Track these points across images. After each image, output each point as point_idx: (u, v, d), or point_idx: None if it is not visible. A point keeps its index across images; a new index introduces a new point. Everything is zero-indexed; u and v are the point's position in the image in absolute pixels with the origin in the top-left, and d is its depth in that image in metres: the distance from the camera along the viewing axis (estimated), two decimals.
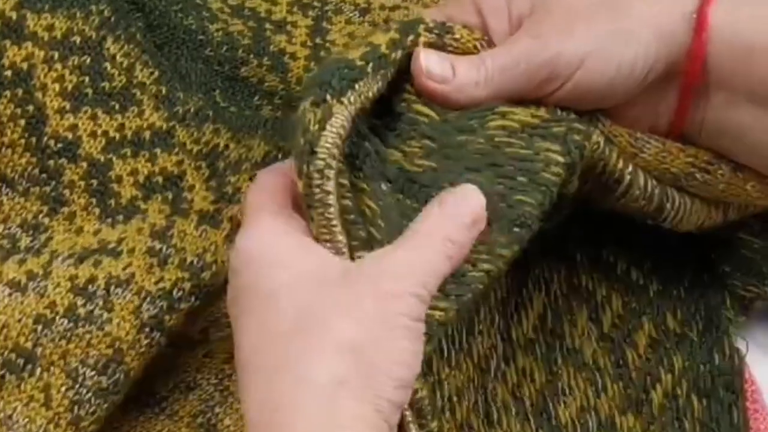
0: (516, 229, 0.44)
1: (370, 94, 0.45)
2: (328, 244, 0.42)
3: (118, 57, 0.58)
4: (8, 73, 0.56)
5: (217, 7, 0.64)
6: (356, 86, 0.45)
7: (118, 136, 0.57)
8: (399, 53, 0.47)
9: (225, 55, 0.64)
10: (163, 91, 0.59)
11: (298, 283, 0.40)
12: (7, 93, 0.55)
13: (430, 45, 0.48)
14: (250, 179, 0.56)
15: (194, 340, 0.57)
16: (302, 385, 0.37)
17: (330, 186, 0.42)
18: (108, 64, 0.58)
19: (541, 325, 0.58)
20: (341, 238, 0.42)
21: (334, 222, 0.42)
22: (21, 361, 0.51)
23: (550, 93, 0.46)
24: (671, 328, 0.58)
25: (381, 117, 0.49)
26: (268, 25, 0.64)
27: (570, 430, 0.56)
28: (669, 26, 0.46)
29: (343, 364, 0.37)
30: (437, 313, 0.42)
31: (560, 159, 0.46)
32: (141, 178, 0.57)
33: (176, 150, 0.58)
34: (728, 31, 0.45)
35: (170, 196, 0.57)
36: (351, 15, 0.67)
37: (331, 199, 0.42)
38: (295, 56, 0.64)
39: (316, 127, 0.43)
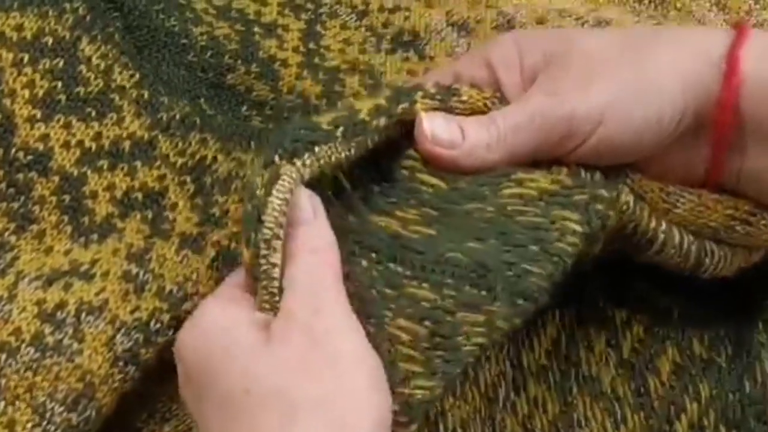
0: (520, 302, 0.42)
1: (333, 159, 0.44)
2: (265, 305, 0.41)
3: (94, 59, 0.56)
4: (11, 76, 0.54)
5: (202, 8, 0.62)
6: (315, 149, 0.43)
7: (94, 146, 0.55)
8: (383, 120, 0.45)
9: (210, 61, 0.61)
10: (145, 96, 0.57)
11: (243, 357, 0.39)
12: None
13: (432, 110, 0.47)
14: (240, 200, 0.55)
15: (170, 368, 0.50)
16: None
17: (276, 258, 0.41)
18: (83, 67, 0.56)
19: (555, 350, 0.55)
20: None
21: (277, 298, 0.41)
22: None
23: (570, 150, 0.44)
24: (697, 354, 0.55)
25: (378, 183, 0.47)
26: (256, 29, 0.62)
27: None
28: (696, 74, 0.44)
29: (311, 425, 0.37)
30: (419, 393, 0.41)
31: (578, 228, 0.43)
32: (118, 194, 0.55)
33: (158, 163, 0.55)
34: (762, 75, 0.43)
35: (150, 215, 0.55)
36: (347, 19, 0.64)
37: (276, 272, 0.41)
38: (287, 63, 0.61)
39: (263, 191, 0.42)
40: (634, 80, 0.44)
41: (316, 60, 0.62)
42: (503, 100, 0.47)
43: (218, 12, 0.62)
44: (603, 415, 0.54)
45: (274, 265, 0.41)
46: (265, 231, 0.41)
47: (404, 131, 0.47)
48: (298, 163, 0.43)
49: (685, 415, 0.54)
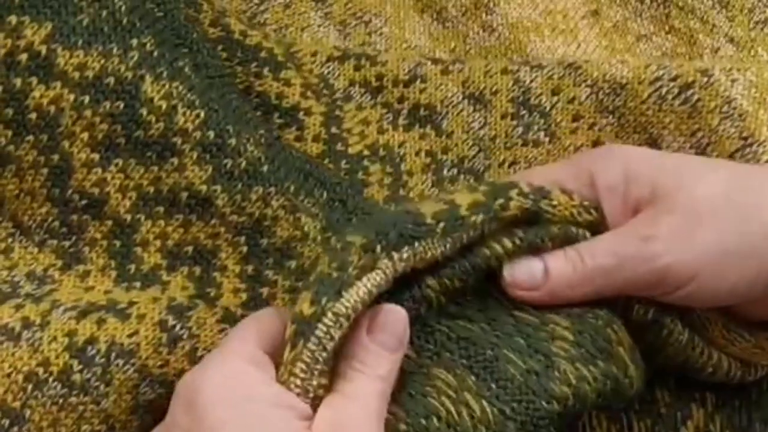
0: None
1: (429, 256, 0.44)
2: (296, 384, 0.41)
3: (156, 100, 0.55)
4: (33, 115, 0.54)
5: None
6: (415, 244, 0.44)
7: (151, 191, 0.55)
8: (480, 217, 0.45)
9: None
10: (210, 137, 0.56)
11: None
12: (30, 138, 0.54)
13: (523, 210, 0.46)
14: (291, 290, 0.54)
15: None
16: None
17: (337, 334, 0.41)
18: (144, 110, 0.55)
19: None
20: (315, 383, 0.41)
21: (319, 367, 0.41)
22: (6, 422, 0.50)
23: (658, 296, 0.45)
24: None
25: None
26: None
27: None
28: None
29: None
30: None
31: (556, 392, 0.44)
32: (169, 245, 0.55)
33: (213, 221, 0.55)
34: None
35: (197, 272, 0.55)
36: (361, 100, 0.64)
37: (330, 346, 0.41)
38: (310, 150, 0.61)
39: (355, 272, 0.42)
40: (736, 241, 0.43)
41: (339, 146, 0.63)
42: (595, 213, 0.48)
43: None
44: (609, 423, 0.53)
45: (331, 338, 0.41)
46: (340, 307, 0.41)
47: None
48: (396, 257, 0.43)
49: (692, 421, 0.54)
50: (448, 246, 0.45)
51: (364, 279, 0.42)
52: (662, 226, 0.44)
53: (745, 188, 0.46)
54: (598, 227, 0.48)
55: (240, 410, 0.40)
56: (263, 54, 0.63)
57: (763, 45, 0.72)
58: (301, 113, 0.62)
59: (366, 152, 0.62)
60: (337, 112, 0.63)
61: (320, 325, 0.41)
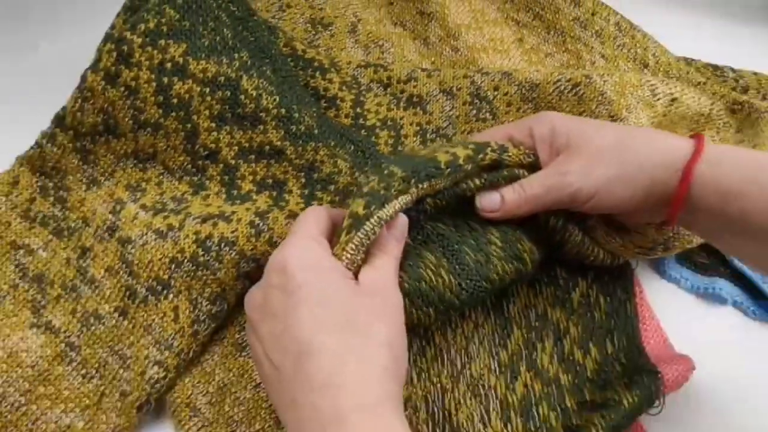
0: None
1: (438, 187, 0.53)
2: (347, 258, 0.48)
3: (249, 90, 0.63)
4: (175, 100, 0.62)
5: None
6: (432, 180, 0.52)
7: (247, 145, 0.63)
8: (470, 165, 0.54)
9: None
10: (283, 112, 0.63)
11: (339, 291, 0.45)
12: (173, 113, 0.62)
13: (493, 161, 0.55)
14: (330, 202, 0.62)
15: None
16: (364, 365, 0.42)
17: (377, 230, 0.48)
18: (242, 96, 0.62)
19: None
20: (359, 258, 0.48)
21: (363, 249, 0.48)
22: (160, 287, 0.59)
23: (573, 207, 0.54)
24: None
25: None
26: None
27: (518, 320, 0.62)
28: (661, 176, 0.51)
29: (384, 356, 0.43)
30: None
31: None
32: (258, 178, 0.64)
33: (284, 163, 0.63)
34: (708, 180, 0.50)
35: (274, 194, 0.63)
36: (377, 91, 0.75)
37: (372, 237, 0.48)
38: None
39: (395, 193, 0.50)
40: (619, 172, 0.52)
41: (361, 120, 0.72)
42: (533, 157, 0.57)
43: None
44: (528, 289, 0.65)
45: (374, 230, 0.48)
46: (383, 213, 0.48)
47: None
48: (420, 186, 0.52)
49: (579, 288, 0.65)
50: (449, 182, 0.53)
51: (400, 198, 0.50)
52: (573, 164, 0.53)
53: (624, 139, 0.53)
54: (534, 167, 0.56)
55: (314, 272, 0.45)
56: (316, 63, 0.72)
57: (622, 60, 0.85)
58: (339, 100, 0.72)
59: (378, 123, 0.72)
60: (361, 98, 0.72)
61: (368, 223, 0.48)
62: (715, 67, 0.85)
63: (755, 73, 0.85)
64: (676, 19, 0.95)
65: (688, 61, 0.86)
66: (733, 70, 0.85)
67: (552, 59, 0.85)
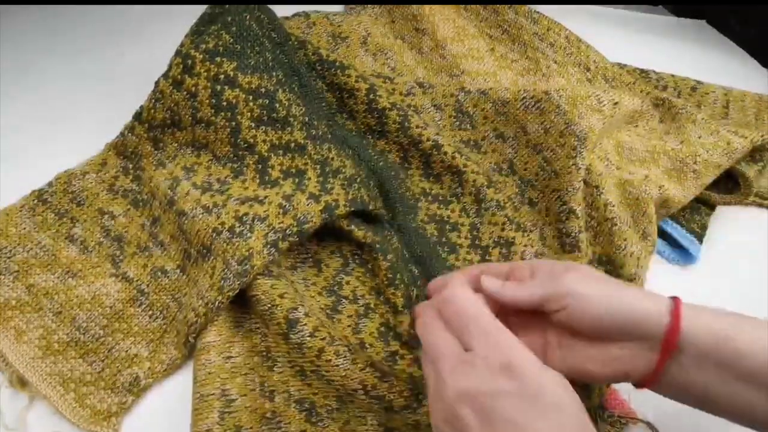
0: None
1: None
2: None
3: (283, 100, 0.69)
4: (224, 103, 0.67)
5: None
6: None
7: (277, 142, 0.68)
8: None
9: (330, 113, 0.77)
10: (306, 119, 0.69)
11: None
12: (222, 113, 0.68)
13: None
14: (341, 185, 0.66)
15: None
16: None
17: None
18: (277, 104, 0.68)
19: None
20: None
21: None
22: (204, 251, 0.63)
23: (552, 313, 0.49)
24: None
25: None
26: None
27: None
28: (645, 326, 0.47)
29: None
30: None
31: None
32: (284, 168, 0.68)
33: (306, 156, 0.68)
34: (680, 359, 0.47)
35: (297, 181, 0.67)
36: (384, 86, 0.82)
37: None
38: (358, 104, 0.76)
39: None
40: (600, 310, 0.48)
41: (374, 104, 0.76)
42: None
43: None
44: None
45: None
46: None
47: None
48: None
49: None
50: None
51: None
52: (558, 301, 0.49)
53: (607, 290, 0.49)
54: None
55: (480, 309, 0.46)
56: (337, 64, 0.78)
57: (570, 65, 0.94)
58: (355, 90, 0.77)
59: (388, 106, 0.77)
60: (375, 87, 0.78)
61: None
62: (642, 70, 1.00)
63: (672, 75, 0.99)
64: (611, 33, 1.12)
65: (621, 66, 0.99)
66: (656, 73, 0.99)
67: (517, 64, 0.94)
